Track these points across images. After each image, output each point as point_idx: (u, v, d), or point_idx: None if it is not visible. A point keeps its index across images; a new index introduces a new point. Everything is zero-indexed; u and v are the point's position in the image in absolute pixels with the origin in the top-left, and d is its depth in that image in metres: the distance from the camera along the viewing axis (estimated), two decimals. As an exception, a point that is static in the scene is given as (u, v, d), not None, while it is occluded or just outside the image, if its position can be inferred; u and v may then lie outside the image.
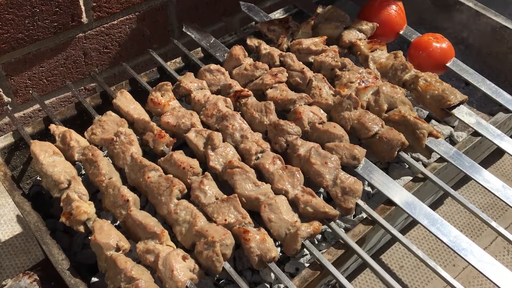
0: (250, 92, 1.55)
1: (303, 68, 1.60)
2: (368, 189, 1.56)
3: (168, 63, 1.75)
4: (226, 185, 1.34)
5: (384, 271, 1.20)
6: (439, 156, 1.44)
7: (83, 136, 1.48)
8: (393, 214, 1.37)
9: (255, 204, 1.29)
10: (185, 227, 1.25)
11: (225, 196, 1.29)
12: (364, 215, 1.43)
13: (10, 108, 1.78)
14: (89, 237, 1.25)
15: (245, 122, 1.46)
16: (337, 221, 1.45)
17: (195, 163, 1.35)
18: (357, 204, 1.31)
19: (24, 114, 1.84)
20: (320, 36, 1.72)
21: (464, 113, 1.52)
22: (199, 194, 1.29)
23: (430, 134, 1.44)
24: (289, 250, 1.23)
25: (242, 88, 1.56)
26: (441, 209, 1.74)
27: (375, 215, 1.30)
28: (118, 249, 1.20)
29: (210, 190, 1.30)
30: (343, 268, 1.39)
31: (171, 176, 1.32)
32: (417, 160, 1.65)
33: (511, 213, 1.73)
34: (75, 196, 1.29)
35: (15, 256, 1.62)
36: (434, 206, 1.72)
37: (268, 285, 1.37)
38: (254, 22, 1.89)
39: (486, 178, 1.38)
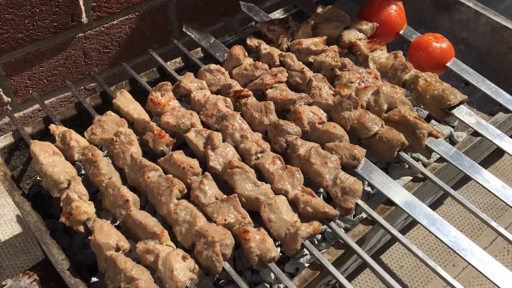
0: (250, 92, 1.55)
1: (303, 68, 1.60)
2: (368, 189, 1.56)
3: (168, 63, 1.75)
4: (226, 185, 1.34)
5: (384, 271, 1.20)
6: (439, 156, 1.44)
7: (83, 136, 1.47)
8: (393, 214, 1.37)
9: (255, 204, 1.29)
10: (185, 227, 1.25)
11: (225, 196, 1.29)
12: (364, 215, 1.43)
13: (10, 108, 1.78)
14: (89, 237, 1.25)
15: (245, 122, 1.46)
16: (337, 221, 1.45)
17: (195, 163, 1.35)
18: (357, 204, 1.31)
19: (24, 114, 1.84)
20: (320, 36, 1.72)
21: (464, 113, 1.52)
22: (199, 194, 1.29)
23: (430, 134, 1.44)
24: (289, 250, 1.23)
25: (242, 88, 1.56)
26: (441, 209, 1.74)
27: (375, 215, 1.30)
28: (118, 249, 1.20)
29: (210, 190, 1.30)
30: (343, 268, 1.39)
31: (171, 176, 1.32)
32: (417, 160, 1.65)
33: (511, 213, 1.73)
34: (75, 196, 1.29)
35: (15, 256, 1.62)
36: (434, 206, 1.72)
37: (268, 285, 1.37)
38: (254, 22, 1.89)
39: (486, 178, 1.38)
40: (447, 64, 1.69)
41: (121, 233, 1.24)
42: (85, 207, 1.27)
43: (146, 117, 1.50)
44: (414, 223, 1.66)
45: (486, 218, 1.30)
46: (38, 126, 1.57)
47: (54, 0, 1.63)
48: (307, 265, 1.34)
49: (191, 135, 1.44)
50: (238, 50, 1.66)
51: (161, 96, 1.53)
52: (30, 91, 1.71)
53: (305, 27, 1.76)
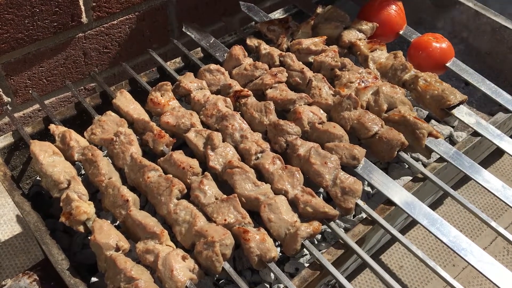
0: (250, 92, 1.55)
1: (303, 68, 1.60)
2: (368, 189, 1.56)
3: (168, 63, 1.75)
4: (225, 185, 1.34)
5: (383, 271, 1.20)
6: (439, 156, 1.44)
7: (83, 136, 1.47)
8: (393, 214, 1.37)
9: (255, 204, 1.29)
10: (185, 227, 1.25)
11: (225, 196, 1.29)
12: (363, 215, 1.43)
13: (9, 108, 1.78)
14: (89, 237, 1.25)
15: (245, 122, 1.46)
16: (337, 221, 1.45)
17: (194, 163, 1.35)
18: (356, 204, 1.31)
19: (23, 114, 1.84)
20: (320, 36, 1.72)
21: (464, 113, 1.52)
22: (198, 194, 1.29)
23: (430, 134, 1.44)
24: (288, 250, 1.23)
25: (242, 88, 1.56)
26: (441, 209, 1.74)
27: (374, 215, 1.30)
28: (117, 249, 1.20)
29: (209, 190, 1.30)
30: (343, 268, 1.39)
31: (171, 176, 1.32)
32: (417, 160, 1.65)
33: (511, 213, 1.73)
34: (75, 196, 1.29)
35: (14, 256, 1.62)
36: (433, 206, 1.72)
37: (267, 285, 1.37)
38: (254, 22, 1.89)
39: (486, 178, 1.38)
40: (447, 64, 1.69)
41: (121, 233, 1.24)
42: (85, 207, 1.27)
43: (146, 117, 1.50)
44: (414, 223, 1.66)
45: (486, 218, 1.30)
46: (38, 126, 1.57)
47: (54, 0, 1.63)
48: (307, 265, 1.34)
49: (191, 135, 1.44)
50: (238, 50, 1.66)
51: (161, 96, 1.53)
52: (30, 91, 1.71)
53: (305, 27, 1.76)
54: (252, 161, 1.38)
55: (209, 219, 1.26)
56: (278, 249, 1.31)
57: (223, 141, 1.42)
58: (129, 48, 1.95)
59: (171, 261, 1.15)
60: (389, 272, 1.55)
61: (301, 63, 1.63)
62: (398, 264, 1.60)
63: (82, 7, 1.71)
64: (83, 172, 1.61)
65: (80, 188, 1.32)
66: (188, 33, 1.83)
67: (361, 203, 1.31)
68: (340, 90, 1.54)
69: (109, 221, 1.28)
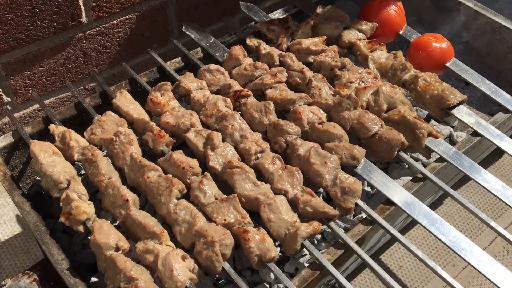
0: (250, 92, 1.55)
1: (303, 68, 1.60)
2: (368, 189, 1.56)
3: (168, 63, 1.75)
4: (225, 185, 1.34)
5: (383, 271, 1.20)
6: (439, 156, 1.44)
7: (83, 136, 1.47)
8: (393, 214, 1.37)
9: (255, 204, 1.29)
10: (185, 227, 1.25)
11: (225, 196, 1.29)
12: (363, 215, 1.43)
13: (9, 108, 1.78)
14: (89, 237, 1.25)
15: (245, 122, 1.46)
16: (337, 221, 1.45)
17: (194, 163, 1.35)
18: (356, 204, 1.31)
19: (23, 114, 1.84)
20: (320, 36, 1.72)
21: (464, 113, 1.52)
22: (198, 194, 1.29)
23: (430, 134, 1.44)
24: (288, 250, 1.23)
25: (242, 88, 1.56)
26: (441, 209, 1.74)
27: (374, 215, 1.30)
28: (117, 249, 1.20)
29: (209, 190, 1.30)
30: (343, 268, 1.39)
31: (171, 176, 1.32)
32: (417, 160, 1.65)
33: (511, 213, 1.73)
34: (75, 196, 1.29)
35: (14, 256, 1.62)
36: (433, 206, 1.72)
37: (267, 285, 1.37)
38: (253, 22, 1.89)
39: (486, 178, 1.38)
40: (447, 64, 1.69)
41: (120, 233, 1.24)
42: (84, 207, 1.27)
43: (145, 117, 1.50)
44: (413, 223, 1.66)
45: (485, 218, 1.30)
46: (37, 126, 1.57)
47: (54, 0, 1.63)
48: (306, 265, 1.34)
49: (190, 135, 1.44)
50: (237, 50, 1.66)
51: (161, 96, 1.53)
52: (30, 91, 1.71)
53: (305, 27, 1.76)
54: (252, 161, 1.38)
55: (209, 219, 1.26)
56: (278, 249, 1.31)
57: (223, 141, 1.42)
58: (129, 48, 1.95)
59: (171, 261, 1.15)
60: (389, 272, 1.56)
61: (301, 63, 1.63)
62: (398, 264, 1.60)
63: (82, 7, 1.71)
64: (83, 172, 1.61)
65: (80, 188, 1.32)
66: (188, 33, 1.83)
67: (361, 203, 1.31)
68: (340, 90, 1.54)
69: (109, 221, 1.28)
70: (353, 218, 1.50)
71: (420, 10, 2.12)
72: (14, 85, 1.74)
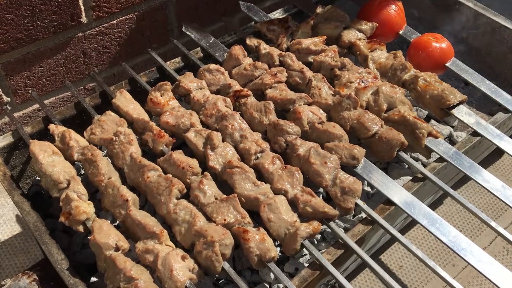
0: (250, 92, 1.55)
1: (303, 68, 1.60)
2: (368, 189, 1.56)
3: (168, 63, 1.75)
4: (225, 185, 1.34)
5: (383, 271, 1.20)
6: (439, 156, 1.44)
7: (83, 136, 1.47)
8: (393, 214, 1.37)
9: (255, 204, 1.29)
10: (185, 227, 1.24)
11: (225, 196, 1.29)
12: (363, 215, 1.43)
13: (9, 108, 1.78)
14: (88, 237, 1.25)
15: (245, 122, 1.46)
16: (337, 221, 1.45)
17: (194, 163, 1.35)
18: (356, 204, 1.31)
19: (23, 114, 1.84)
20: (320, 36, 1.72)
21: (464, 113, 1.52)
22: (198, 194, 1.29)
23: (430, 134, 1.44)
24: (288, 250, 1.23)
25: (242, 88, 1.56)
26: (441, 209, 1.74)
27: (374, 215, 1.30)
28: (117, 249, 1.20)
29: (209, 190, 1.30)
30: (343, 268, 1.39)
31: (171, 176, 1.32)
32: (417, 160, 1.65)
33: (511, 213, 1.73)
34: (74, 196, 1.29)
35: (14, 256, 1.62)
36: (433, 206, 1.72)
37: (267, 285, 1.37)
38: (253, 22, 1.89)
39: (486, 178, 1.38)
40: (447, 64, 1.69)
41: (120, 233, 1.24)
42: (84, 207, 1.27)
43: (145, 117, 1.50)
44: (413, 223, 1.66)
45: (485, 218, 1.30)
46: (37, 126, 1.57)
47: (54, 0, 1.63)
48: (306, 265, 1.34)
49: (190, 135, 1.43)
50: (237, 50, 1.66)
51: (161, 96, 1.53)
52: (30, 91, 1.70)
53: (305, 27, 1.76)
54: (252, 161, 1.38)
55: (209, 219, 1.26)
56: (278, 249, 1.31)
57: (223, 141, 1.42)
58: (128, 48, 1.95)
59: (171, 261, 1.15)
60: (388, 272, 1.56)
61: (300, 63, 1.63)
62: (397, 264, 1.60)
63: (82, 7, 1.71)
64: (82, 172, 1.61)
65: (79, 188, 1.31)
66: (187, 33, 1.83)
67: (360, 203, 1.31)
68: (339, 90, 1.54)
69: (109, 221, 1.28)
70: (353, 218, 1.50)
71: (420, 10, 2.12)
72: (14, 85, 1.74)
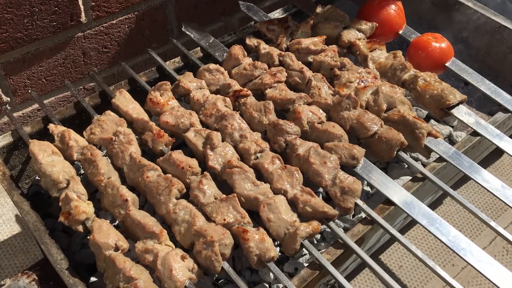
0: (249, 92, 1.55)
1: (302, 68, 1.60)
2: (367, 188, 1.56)
3: (167, 62, 1.75)
4: (225, 185, 1.34)
5: (383, 271, 1.20)
6: (438, 156, 1.44)
7: (82, 135, 1.47)
8: (392, 214, 1.37)
9: (254, 204, 1.29)
10: (184, 227, 1.24)
11: (224, 195, 1.29)
12: (363, 214, 1.43)
13: (9, 108, 1.78)
14: (88, 237, 1.25)
15: (244, 121, 1.46)
16: (336, 220, 1.45)
17: (194, 162, 1.35)
18: (356, 204, 1.31)
19: (23, 113, 1.83)
20: (319, 36, 1.72)
21: (463, 113, 1.52)
22: (198, 194, 1.29)
23: (429, 134, 1.44)
24: (288, 249, 1.23)
25: (241, 88, 1.56)
26: (440, 209, 1.74)
27: (374, 215, 1.30)
28: (117, 248, 1.20)
29: (209, 189, 1.30)
30: (342, 268, 1.39)
31: (170, 175, 1.32)
32: (416, 160, 1.65)
33: (510, 213, 1.73)
34: (74, 196, 1.29)
35: (13, 255, 1.62)
36: (433, 206, 1.72)
37: (267, 285, 1.37)
38: (253, 22, 1.89)
39: (485, 178, 1.38)
40: (447, 64, 1.69)
41: (120, 233, 1.24)
42: (84, 207, 1.27)
43: (145, 116, 1.49)
44: (413, 223, 1.66)
45: (485, 218, 1.30)
46: (37, 125, 1.57)
47: (53, 0, 1.63)
48: (306, 265, 1.34)
49: (190, 134, 1.43)
50: (237, 49, 1.66)
51: (160, 95, 1.53)
52: (29, 91, 1.70)
53: (305, 26, 1.76)
54: (252, 161, 1.38)
55: (208, 218, 1.26)
56: (278, 248, 1.31)
57: (223, 140, 1.42)
58: (128, 48, 1.95)
59: (170, 260, 1.15)
60: (388, 272, 1.56)
61: (300, 62, 1.63)
62: (397, 264, 1.60)
63: (81, 6, 1.71)
64: (82, 171, 1.61)
65: (79, 188, 1.31)
66: (187, 32, 1.83)
67: (360, 202, 1.31)
68: (339, 89, 1.54)
69: (108, 221, 1.28)
70: (352, 218, 1.50)
71: (419, 10, 2.12)
72: (13, 85, 1.74)
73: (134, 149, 1.40)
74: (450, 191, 1.35)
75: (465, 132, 1.77)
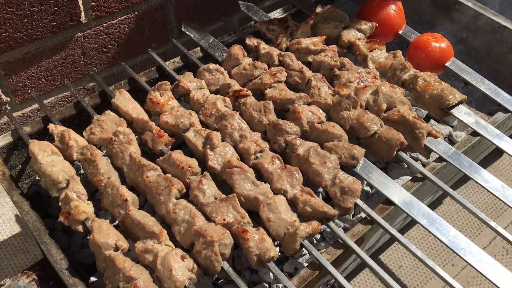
0: (249, 92, 1.55)
1: (302, 68, 1.60)
2: (367, 188, 1.56)
3: (167, 62, 1.75)
4: (225, 185, 1.34)
5: (383, 270, 1.20)
6: (438, 156, 1.44)
7: (82, 135, 1.47)
8: (392, 214, 1.37)
9: (254, 204, 1.29)
10: (184, 227, 1.24)
11: (224, 195, 1.29)
12: (363, 214, 1.43)
13: (8, 108, 1.78)
14: (88, 237, 1.25)
15: (244, 121, 1.46)
16: (336, 220, 1.44)
17: (194, 162, 1.35)
18: (356, 204, 1.31)
19: (23, 113, 1.83)
20: (319, 36, 1.72)
21: (463, 113, 1.52)
22: (198, 194, 1.29)
23: (429, 134, 1.44)
24: (288, 249, 1.23)
25: (241, 88, 1.56)
26: (440, 209, 1.74)
27: (374, 214, 1.30)
28: (116, 248, 1.20)
29: (209, 189, 1.30)
30: (342, 268, 1.39)
31: (170, 175, 1.32)
32: (416, 159, 1.65)
33: (510, 212, 1.73)
34: (74, 196, 1.29)
35: (13, 255, 1.62)
36: (433, 205, 1.72)
37: (267, 285, 1.37)
38: (253, 22, 1.89)
39: (485, 177, 1.38)
40: (446, 64, 1.69)
41: (119, 233, 1.24)
42: (83, 207, 1.27)
43: (145, 116, 1.49)
44: (413, 222, 1.66)
45: (485, 217, 1.30)
46: (37, 125, 1.57)
47: (53, 0, 1.62)
48: (306, 264, 1.34)
49: (190, 134, 1.43)
50: (237, 49, 1.66)
51: (160, 95, 1.53)
52: (29, 91, 1.70)
53: (304, 26, 1.76)
54: (251, 161, 1.38)
55: (208, 218, 1.26)
56: (277, 248, 1.31)
57: (222, 140, 1.42)
58: (128, 48, 1.95)
59: (170, 260, 1.15)
60: (388, 272, 1.55)
61: (300, 62, 1.63)
62: (397, 263, 1.60)
63: (81, 6, 1.71)
64: (82, 171, 1.61)
65: (79, 188, 1.31)
66: (187, 32, 1.83)
67: (360, 202, 1.31)
68: (339, 89, 1.54)
69: (108, 221, 1.27)
70: (352, 217, 1.50)
71: (419, 10, 2.12)
72: (13, 85, 1.74)
73: (134, 149, 1.40)
74: (450, 191, 1.35)
75: (465, 132, 1.77)
